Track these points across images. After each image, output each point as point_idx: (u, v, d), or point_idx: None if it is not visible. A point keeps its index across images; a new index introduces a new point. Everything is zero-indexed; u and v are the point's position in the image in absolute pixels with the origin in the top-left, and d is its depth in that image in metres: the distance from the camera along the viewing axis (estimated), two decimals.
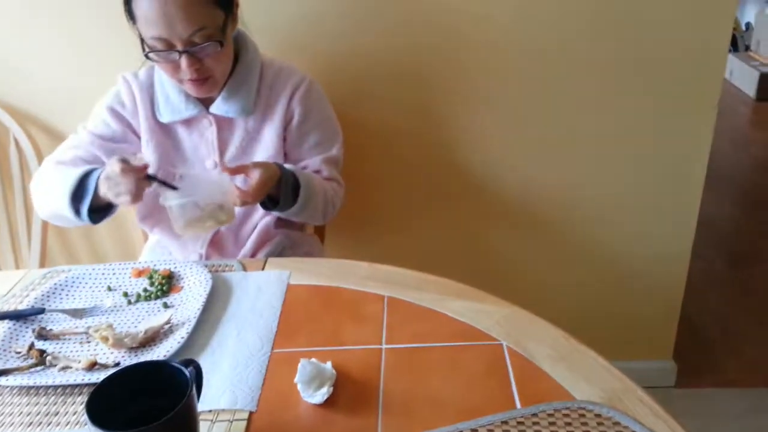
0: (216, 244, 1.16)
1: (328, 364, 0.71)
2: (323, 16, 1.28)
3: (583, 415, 0.68)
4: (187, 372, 0.57)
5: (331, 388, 0.69)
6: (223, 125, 1.11)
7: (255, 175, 0.95)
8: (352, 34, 1.29)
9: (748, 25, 4.02)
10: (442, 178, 1.44)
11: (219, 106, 1.08)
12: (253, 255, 1.15)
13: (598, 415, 0.68)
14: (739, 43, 3.98)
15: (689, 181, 1.47)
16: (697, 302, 2.01)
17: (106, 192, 0.92)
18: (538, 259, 1.54)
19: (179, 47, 0.97)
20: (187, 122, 1.11)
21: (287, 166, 1.06)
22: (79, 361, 0.73)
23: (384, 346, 0.77)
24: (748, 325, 1.90)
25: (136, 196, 0.90)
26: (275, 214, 1.12)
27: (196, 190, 0.92)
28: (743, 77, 3.66)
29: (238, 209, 1.10)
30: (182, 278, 0.90)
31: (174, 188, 0.91)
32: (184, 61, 0.98)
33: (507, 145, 1.40)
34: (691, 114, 1.38)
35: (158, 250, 1.20)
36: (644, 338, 1.66)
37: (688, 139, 1.42)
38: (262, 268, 0.94)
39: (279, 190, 1.02)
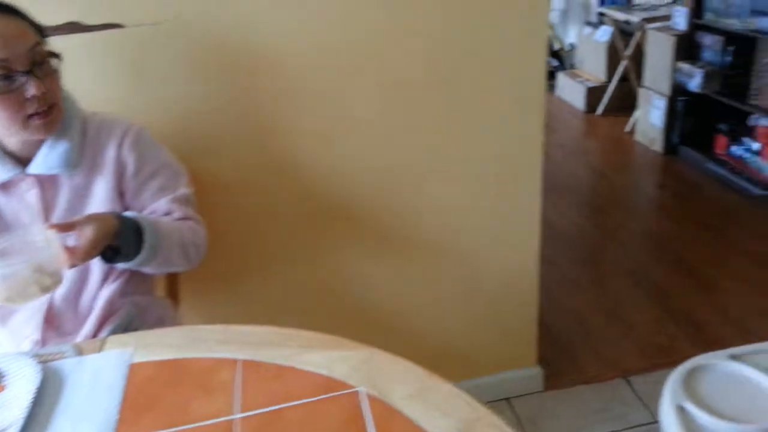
0: (53, 325, 1.06)
1: None
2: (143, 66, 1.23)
3: None
4: None
5: None
6: (47, 185, 1.02)
7: (86, 232, 0.88)
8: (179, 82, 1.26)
9: (572, 45, 4.46)
10: (291, 224, 1.43)
11: (39, 164, 0.99)
12: (97, 332, 1.06)
13: None
14: (565, 62, 4.39)
15: (528, 189, 1.54)
16: (554, 306, 2.16)
17: None
18: (395, 289, 1.57)
19: (21, 68, 0.89)
20: (3, 187, 1.01)
21: (128, 213, 0.99)
22: None
23: (237, 416, 0.74)
24: (602, 323, 2.07)
25: None
26: (119, 274, 1.05)
27: (13, 255, 0.83)
28: (573, 92, 4.04)
29: (74, 278, 1.02)
30: (5, 375, 0.81)
31: None
32: (31, 86, 0.90)
33: (352, 179, 1.42)
34: (522, 126, 1.47)
35: None
36: (509, 349, 1.74)
37: (522, 150, 1.50)
38: (100, 350, 0.87)
39: (120, 240, 0.95)
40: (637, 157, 3.33)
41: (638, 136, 3.39)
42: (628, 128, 3.52)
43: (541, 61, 1.40)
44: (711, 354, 0.80)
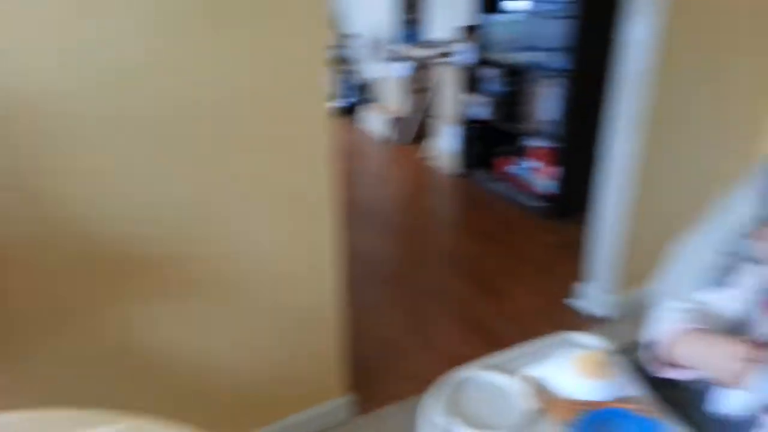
0: None
1: None
2: None
3: None
4: None
5: None
6: None
7: None
8: None
9: (374, 79, 4.67)
10: (52, 280, 1.27)
11: None
12: None
13: None
14: (369, 95, 4.59)
15: (322, 221, 1.53)
16: (363, 333, 2.18)
17: None
18: (188, 336, 1.46)
19: None
20: None
21: None
22: None
23: None
24: (409, 342, 2.13)
25: None
26: None
27: None
28: (376, 124, 4.23)
29: None
30: None
31: None
32: None
33: (129, 223, 1.30)
34: (310, 161, 1.47)
35: None
36: (318, 383, 1.71)
37: (313, 184, 1.49)
38: None
39: None
40: (435, 182, 3.55)
41: (436, 162, 3.62)
42: (427, 155, 3.75)
43: (321, 99, 1.42)
44: (466, 367, 0.83)
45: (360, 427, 1.76)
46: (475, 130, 3.31)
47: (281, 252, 1.51)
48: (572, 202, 2.79)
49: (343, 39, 4.60)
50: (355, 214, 3.22)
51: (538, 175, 3.03)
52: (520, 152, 3.16)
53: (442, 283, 2.49)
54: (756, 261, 0.77)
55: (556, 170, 2.87)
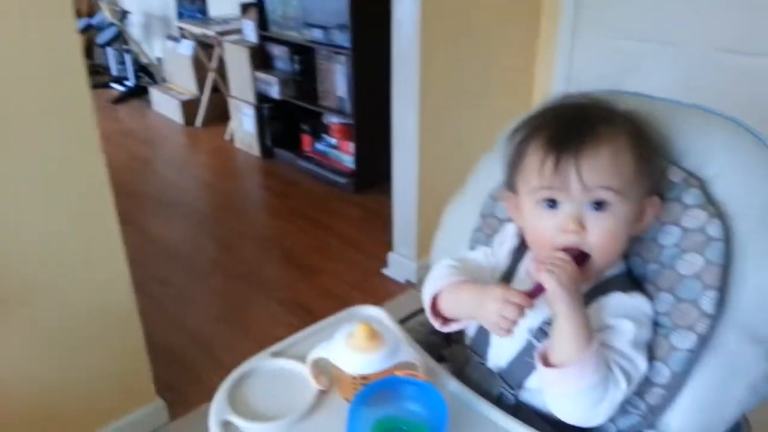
0: None
1: None
2: None
3: None
4: None
5: None
6: None
7: None
8: None
9: (159, 59, 4.38)
10: None
11: None
12: None
13: None
14: (156, 77, 4.30)
15: (103, 218, 1.43)
16: (174, 327, 2.09)
17: None
18: None
19: None
20: None
21: None
22: None
23: None
24: (224, 331, 2.08)
25: None
26: None
27: None
28: (168, 107, 3.98)
29: None
30: None
31: None
32: None
33: None
34: (76, 154, 1.35)
35: None
36: (123, 390, 1.61)
37: (86, 178, 1.38)
38: None
39: None
40: (239, 164, 3.47)
41: (237, 144, 3.53)
42: (227, 137, 3.63)
43: (83, 87, 1.30)
44: (254, 358, 0.84)
45: (176, 430, 1.70)
46: (272, 110, 3.28)
47: (62, 254, 1.39)
48: (373, 175, 2.91)
49: (122, 15, 4.23)
50: (157, 203, 3.04)
51: (340, 151, 3.11)
52: (322, 129, 3.21)
53: (255, 267, 2.46)
54: (510, 220, 0.87)
55: (352, 145, 2.97)
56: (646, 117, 0.79)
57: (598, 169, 0.71)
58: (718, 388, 0.73)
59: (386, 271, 2.37)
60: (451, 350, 0.90)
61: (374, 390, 0.67)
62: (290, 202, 3.01)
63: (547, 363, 0.70)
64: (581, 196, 0.72)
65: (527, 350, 0.77)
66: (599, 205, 0.72)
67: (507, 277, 0.84)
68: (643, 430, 0.77)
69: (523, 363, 0.77)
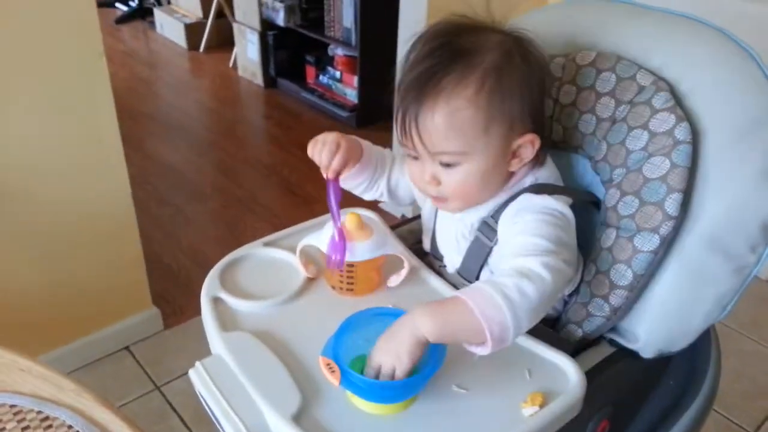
0: None
1: None
2: None
3: None
4: None
5: None
6: None
7: None
8: None
9: None
10: None
11: None
12: None
13: None
14: None
15: (104, 132, 1.45)
16: (172, 245, 2.13)
17: None
18: None
19: None
20: None
21: None
22: None
23: None
24: (218, 253, 2.12)
25: None
26: None
27: None
28: (173, 30, 3.92)
29: None
30: None
31: None
32: None
33: None
34: (82, 72, 1.37)
35: None
36: (121, 296, 1.66)
37: (91, 95, 1.40)
38: None
39: None
40: (242, 91, 3.45)
41: (240, 71, 3.49)
42: (231, 63, 3.60)
43: (89, 4, 1.32)
44: (247, 245, 0.87)
45: (167, 339, 1.76)
46: (277, 38, 3.23)
47: (62, 162, 1.42)
48: (375, 111, 2.90)
49: None
50: (158, 125, 3.04)
51: (344, 84, 3.08)
52: (327, 61, 3.17)
53: (254, 194, 2.49)
54: None
55: (357, 79, 2.94)
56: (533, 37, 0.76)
57: (435, 135, 0.72)
58: (684, 297, 0.77)
59: (383, 205, 2.40)
60: (428, 258, 0.93)
61: (361, 319, 0.69)
62: (291, 132, 3.01)
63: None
64: (427, 156, 0.75)
65: (473, 248, 0.81)
66: (447, 164, 0.74)
67: None
68: (608, 335, 0.81)
69: (473, 260, 0.81)
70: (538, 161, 0.79)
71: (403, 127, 0.74)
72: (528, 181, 0.79)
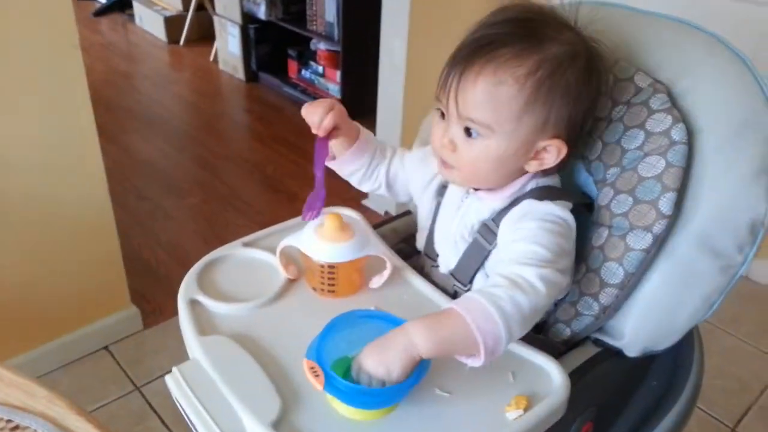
0: None
1: None
2: None
3: None
4: None
5: None
6: None
7: None
8: None
9: None
10: None
11: None
12: None
13: None
14: None
15: (80, 125, 1.42)
16: (149, 242, 2.10)
17: None
18: None
19: None
20: None
21: None
22: None
23: None
24: (199, 249, 2.10)
25: None
26: None
27: None
28: (152, 22, 3.85)
29: None
30: None
31: None
32: None
33: None
34: (57, 64, 1.33)
35: None
36: (98, 295, 1.63)
37: (65, 88, 1.37)
38: None
39: None
40: (223, 85, 3.40)
41: (221, 65, 3.45)
42: (211, 57, 3.55)
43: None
44: (226, 246, 0.85)
45: (146, 338, 1.73)
46: (259, 31, 3.19)
47: (40, 152, 1.39)
48: (358, 106, 2.85)
49: None
50: (136, 119, 2.99)
51: (326, 79, 3.06)
52: (310, 56, 3.14)
53: (235, 189, 2.45)
54: None
55: (339, 74, 2.92)
56: (616, 43, 0.77)
57: (471, 99, 0.71)
58: (672, 295, 0.76)
59: (366, 202, 2.38)
60: (417, 257, 0.92)
61: (344, 321, 0.67)
62: (273, 127, 2.98)
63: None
64: (455, 118, 0.73)
65: (471, 250, 0.80)
66: (468, 131, 0.73)
67: (443, 188, 0.86)
68: (593, 335, 0.81)
69: (469, 263, 0.80)
70: (550, 169, 0.77)
71: (445, 80, 0.73)
72: (530, 185, 0.78)
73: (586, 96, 0.73)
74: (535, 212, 0.74)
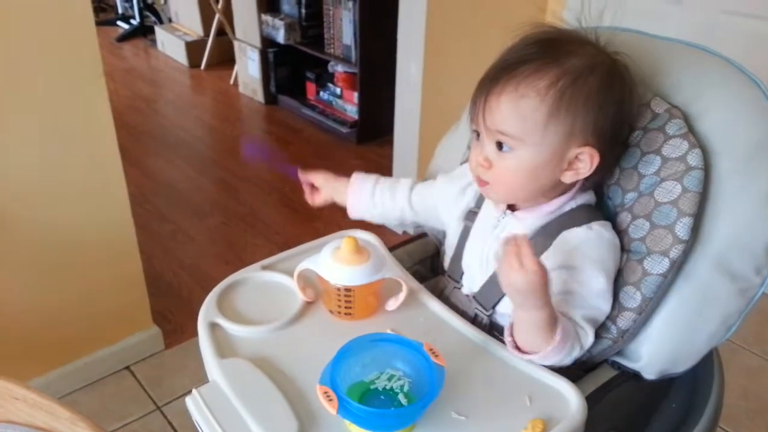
0: None
1: None
2: None
3: None
4: None
5: None
6: None
7: None
8: None
9: None
10: None
11: None
12: None
13: None
14: (162, 16, 4.24)
15: (104, 153, 1.46)
16: (171, 263, 2.13)
17: None
18: None
19: None
20: None
21: None
22: None
23: None
24: (221, 269, 2.12)
25: None
26: None
27: None
28: (174, 47, 3.94)
29: None
30: None
31: None
32: None
33: None
34: (81, 93, 1.37)
35: None
36: (121, 316, 1.66)
37: (90, 116, 1.41)
38: None
39: None
40: (243, 109, 3.46)
41: (241, 88, 3.51)
42: (231, 81, 3.61)
43: (88, 22, 1.33)
44: (245, 269, 0.87)
45: (170, 358, 1.75)
46: (278, 55, 3.25)
47: (63, 185, 1.43)
48: (376, 127, 2.91)
49: None
50: (159, 142, 3.05)
51: (344, 101, 3.10)
52: (328, 78, 3.18)
53: (255, 210, 2.49)
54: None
55: (357, 95, 2.95)
56: (632, 65, 0.78)
57: (497, 113, 0.73)
58: (690, 318, 0.76)
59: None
60: (435, 280, 0.93)
61: (358, 345, 0.68)
62: (292, 149, 3.02)
63: (516, 342, 0.74)
64: (486, 134, 0.76)
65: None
66: (500, 145, 0.75)
67: (472, 213, 0.88)
68: (611, 357, 0.80)
69: (494, 288, 0.80)
70: (587, 183, 0.79)
71: (474, 101, 0.76)
72: (569, 206, 0.79)
73: (611, 101, 0.74)
74: (594, 248, 0.76)
